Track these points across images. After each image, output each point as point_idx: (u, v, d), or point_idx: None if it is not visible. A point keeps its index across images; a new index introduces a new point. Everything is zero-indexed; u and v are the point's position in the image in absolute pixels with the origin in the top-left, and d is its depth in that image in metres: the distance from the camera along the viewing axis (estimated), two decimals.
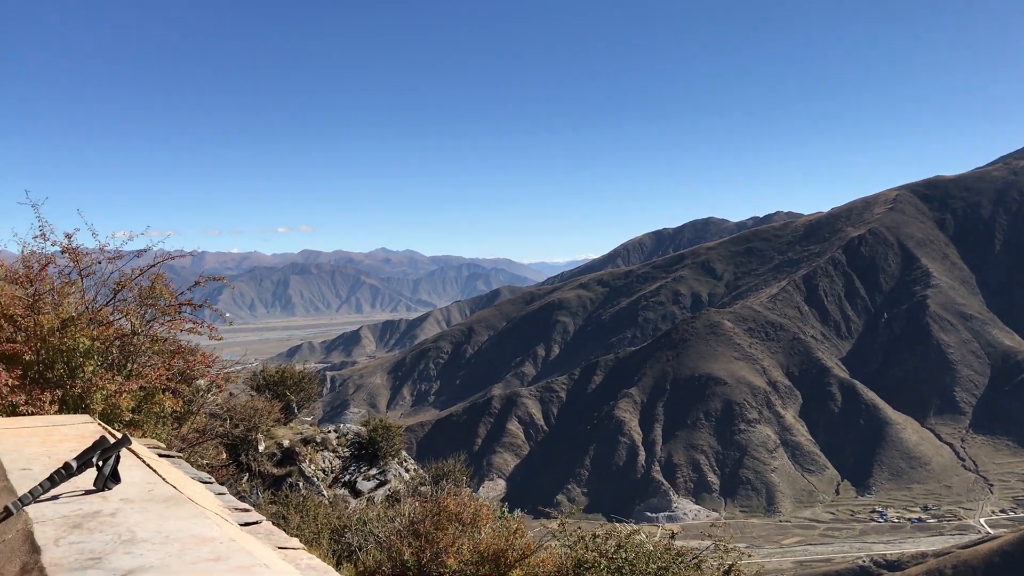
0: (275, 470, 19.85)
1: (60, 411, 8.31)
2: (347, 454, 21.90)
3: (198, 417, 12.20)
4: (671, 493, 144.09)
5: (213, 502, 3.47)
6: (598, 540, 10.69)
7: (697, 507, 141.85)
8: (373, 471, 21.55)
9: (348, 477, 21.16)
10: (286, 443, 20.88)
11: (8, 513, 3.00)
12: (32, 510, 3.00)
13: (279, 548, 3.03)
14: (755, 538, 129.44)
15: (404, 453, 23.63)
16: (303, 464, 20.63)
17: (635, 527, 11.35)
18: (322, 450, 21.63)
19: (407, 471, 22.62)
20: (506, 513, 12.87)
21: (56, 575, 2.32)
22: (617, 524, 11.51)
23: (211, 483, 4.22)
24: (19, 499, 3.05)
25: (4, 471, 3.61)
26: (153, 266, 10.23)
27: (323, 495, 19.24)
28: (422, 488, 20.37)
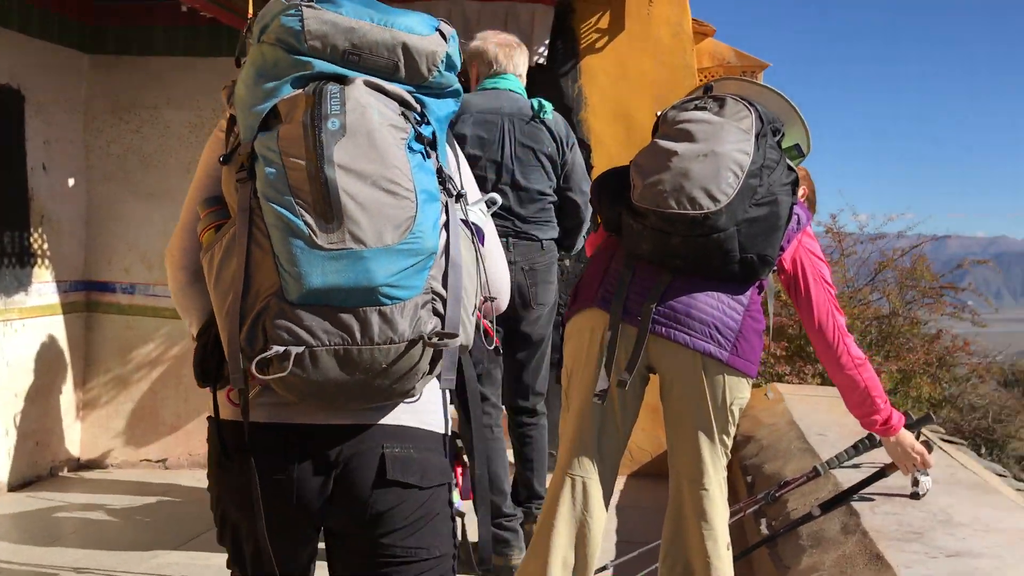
0: None
1: (820, 384, 8.62)
2: None
3: (952, 407, 11.63)
4: None
5: (1017, 497, 3.18)
6: None
7: None
8: None
9: None
10: None
11: (816, 473, 3.15)
12: (837, 474, 3.09)
13: None
14: None
15: None
16: None
17: None
18: None
19: None
20: None
21: (880, 541, 2.33)
22: None
23: (1005, 476, 3.91)
24: (826, 462, 3.19)
25: (803, 434, 3.83)
26: (916, 247, 10.06)
27: None
28: None
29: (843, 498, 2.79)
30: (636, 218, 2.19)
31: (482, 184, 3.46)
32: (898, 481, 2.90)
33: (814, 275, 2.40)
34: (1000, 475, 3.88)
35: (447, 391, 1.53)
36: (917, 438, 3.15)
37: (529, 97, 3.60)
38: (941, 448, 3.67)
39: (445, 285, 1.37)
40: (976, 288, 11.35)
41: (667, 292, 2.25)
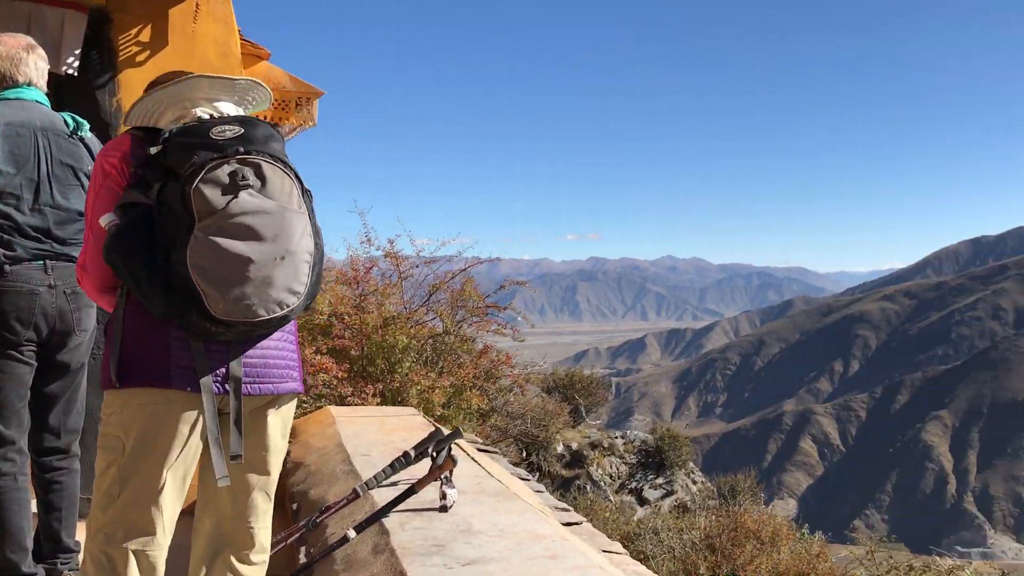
0: (564, 472, 20.46)
1: (380, 403, 8.93)
2: (634, 461, 22.18)
3: (500, 415, 12.74)
4: (986, 527, 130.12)
5: (535, 499, 3.54)
6: (914, 573, 9.82)
7: (1019, 545, 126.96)
8: (660, 480, 21.66)
9: (635, 484, 21.39)
10: (574, 446, 21.49)
11: (356, 495, 3.23)
12: (376, 494, 3.20)
13: (603, 551, 3.02)
14: None
15: (691, 464, 23.52)
16: (591, 468, 21.14)
17: (958, 563, 10.28)
18: (609, 455, 22.05)
19: (694, 483, 22.56)
20: (806, 535, 12.26)
21: (405, 557, 2.44)
22: (937, 558, 10.47)
23: (529, 480, 4.33)
24: (365, 483, 3.28)
25: (349, 456, 3.91)
26: (464, 270, 10.85)
27: (610, 500, 19.47)
28: (710, 502, 20.07)
29: (376, 518, 2.89)
30: (218, 325, 2.06)
31: (17, 204, 3.12)
32: (430, 495, 3.08)
33: None
34: (524, 479, 4.29)
35: None
36: (448, 452, 3.37)
37: (57, 110, 3.33)
38: (473, 459, 3.97)
39: None
40: (520, 306, 12.55)
41: (242, 353, 2.18)
